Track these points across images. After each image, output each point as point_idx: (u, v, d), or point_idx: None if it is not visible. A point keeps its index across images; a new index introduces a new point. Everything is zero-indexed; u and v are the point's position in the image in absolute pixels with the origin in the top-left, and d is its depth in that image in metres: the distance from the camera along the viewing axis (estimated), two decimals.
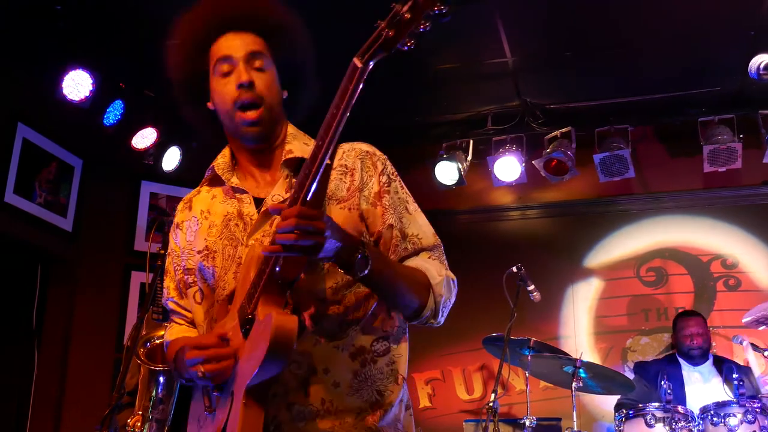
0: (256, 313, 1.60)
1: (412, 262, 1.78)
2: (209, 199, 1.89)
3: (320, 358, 1.69)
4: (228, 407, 1.63)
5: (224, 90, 1.77)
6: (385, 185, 1.80)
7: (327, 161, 1.50)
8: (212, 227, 1.84)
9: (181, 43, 1.85)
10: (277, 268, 1.57)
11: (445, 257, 1.84)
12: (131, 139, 5.01)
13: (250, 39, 1.79)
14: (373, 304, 1.76)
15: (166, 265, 1.97)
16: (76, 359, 5.33)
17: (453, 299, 1.81)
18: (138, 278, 5.53)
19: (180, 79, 1.87)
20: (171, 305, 1.95)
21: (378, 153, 1.85)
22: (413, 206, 1.85)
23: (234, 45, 1.78)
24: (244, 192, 1.83)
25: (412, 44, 1.38)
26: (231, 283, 1.77)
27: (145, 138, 5.07)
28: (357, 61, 1.44)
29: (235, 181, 1.85)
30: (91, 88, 4.54)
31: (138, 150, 5.08)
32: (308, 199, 1.51)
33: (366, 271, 1.58)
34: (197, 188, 1.96)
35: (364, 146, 1.85)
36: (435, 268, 1.77)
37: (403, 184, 1.86)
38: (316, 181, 1.51)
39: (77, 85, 4.50)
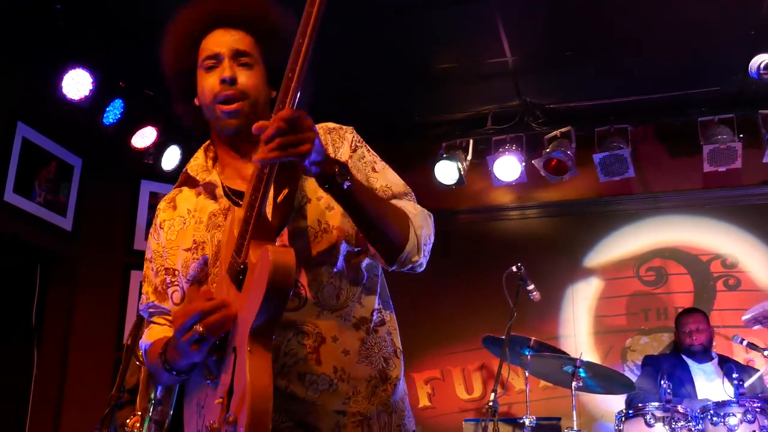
0: (248, 259, 1.56)
1: None
2: (194, 196, 1.88)
3: (327, 327, 1.71)
4: (231, 365, 1.56)
5: (207, 83, 1.78)
6: (353, 151, 1.83)
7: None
8: (199, 223, 1.83)
9: (174, 38, 1.86)
10: (263, 209, 1.56)
11: (417, 203, 1.84)
12: (131, 139, 5.01)
13: (238, 36, 1.80)
14: (364, 276, 1.79)
15: (144, 270, 1.91)
16: (76, 359, 5.33)
17: (432, 236, 1.82)
18: (138, 277, 5.52)
19: (172, 73, 1.88)
20: (150, 310, 1.90)
21: (345, 126, 1.88)
22: (380, 165, 1.86)
23: (222, 41, 1.79)
24: (219, 186, 1.82)
25: None
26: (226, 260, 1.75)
27: (144, 137, 5.07)
28: None
29: (212, 178, 1.84)
30: (91, 87, 4.54)
31: (138, 149, 5.08)
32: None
33: (348, 183, 1.57)
34: (178, 188, 1.94)
35: (331, 124, 1.87)
36: (410, 205, 1.79)
37: (369, 148, 1.87)
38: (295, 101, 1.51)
39: (77, 84, 4.50)
